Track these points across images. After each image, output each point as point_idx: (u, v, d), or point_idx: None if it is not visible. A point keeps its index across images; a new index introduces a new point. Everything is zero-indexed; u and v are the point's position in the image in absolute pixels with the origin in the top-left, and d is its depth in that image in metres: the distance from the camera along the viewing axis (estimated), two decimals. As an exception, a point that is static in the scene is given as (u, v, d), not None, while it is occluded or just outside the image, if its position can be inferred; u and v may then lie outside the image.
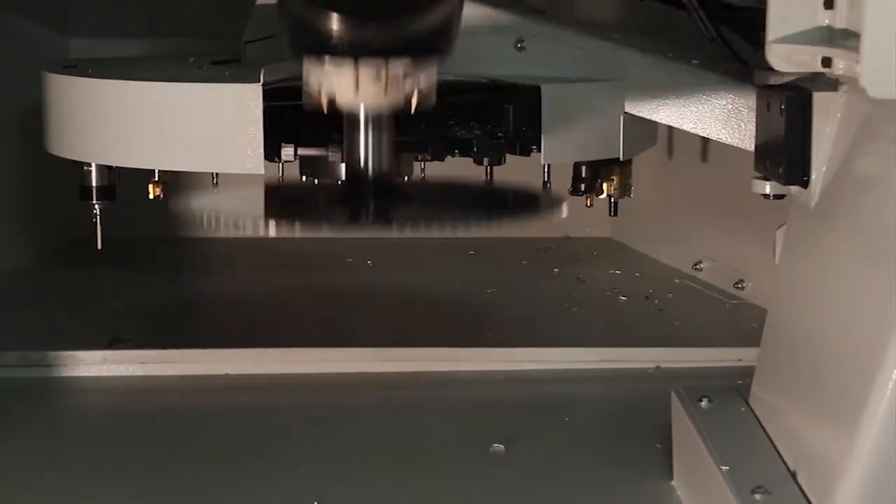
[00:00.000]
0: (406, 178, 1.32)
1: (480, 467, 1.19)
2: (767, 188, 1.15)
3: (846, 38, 0.99)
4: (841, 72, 0.98)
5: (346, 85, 1.10)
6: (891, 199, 0.95)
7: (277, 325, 1.55)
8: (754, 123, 1.17)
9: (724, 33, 1.48)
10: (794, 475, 1.00)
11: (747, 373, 1.16)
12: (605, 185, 1.44)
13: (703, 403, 1.15)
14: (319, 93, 1.10)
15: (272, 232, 1.12)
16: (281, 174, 1.32)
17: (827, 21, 1.02)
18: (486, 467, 1.19)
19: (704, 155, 1.69)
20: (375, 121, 1.16)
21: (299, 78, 1.12)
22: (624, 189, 1.45)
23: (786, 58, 1.05)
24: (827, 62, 0.99)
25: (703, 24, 1.48)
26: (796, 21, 1.03)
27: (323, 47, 1.07)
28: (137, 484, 1.16)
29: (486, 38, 1.42)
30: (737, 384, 1.16)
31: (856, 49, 0.92)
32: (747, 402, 1.14)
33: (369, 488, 1.15)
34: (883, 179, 0.98)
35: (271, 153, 1.25)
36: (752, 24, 1.38)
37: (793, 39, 1.04)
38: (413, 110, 1.13)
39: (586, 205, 1.47)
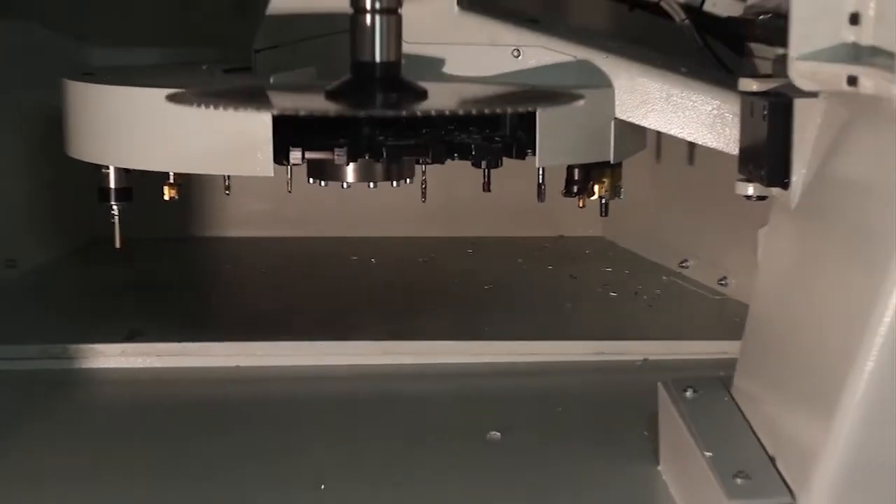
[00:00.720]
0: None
1: (477, 454, 1.19)
2: (750, 190, 1.15)
3: (874, 56, 0.94)
4: (869, 91, 0.91)
5: None
6: (868, 201, 0.95)
7: (286, 320, 1.55)
8: (738, 128, 1.17)
9: (710, 42, 1.49)
10: (773, 461, 1.00)
11: (730, 365, 1.15)
12: (596, 187, 1.44)
13: (689, 394, 1.15)
14: None
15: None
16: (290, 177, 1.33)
17: (852, 38, 0.96)
18: (483, 454, 1.19)
19: (691, 158, 1.69)
20: (385, 8, 1.16)
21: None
22: (614, 191, 1.45)
23: (810, 76, 0.98)
24: (853, 81, 0.92)
25: (692, 34, 1.48)
26: (820, 37, 0.96)
27: None
28: (154, 470, 1.16)
29: (485, 46, 1.43)
30: (720, 375, 1.16)
31: (888, 67, 0.88)
32: (730, 393, 1.14)
33: (372, 473, 1.15)
34: (861, 183, 0.98)
35: (280, 156, 1.26)
36: (737, 34, 1.38)
37: (817, 57, 0.97)
38: None
39: (579, 206, 1.47)
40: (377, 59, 1.17)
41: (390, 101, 1.18)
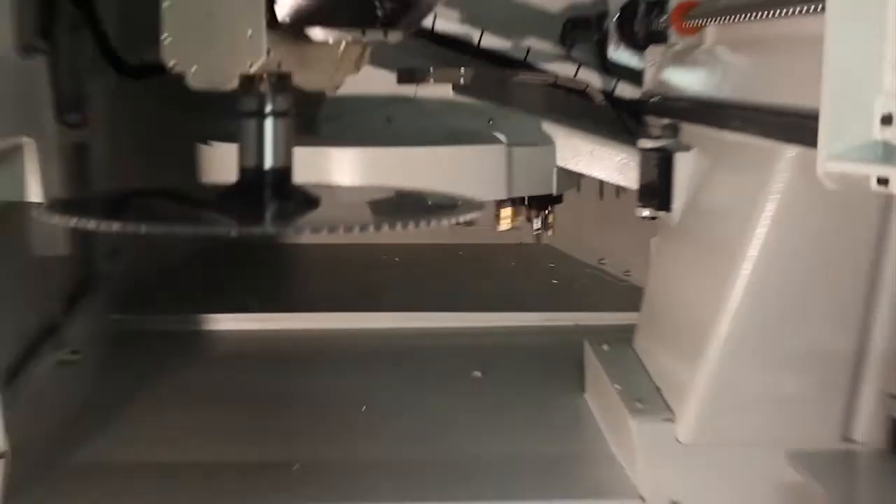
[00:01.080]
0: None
1: (465, 386, 1.21)
2: (646, 213, 1.14)
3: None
4: None
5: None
6: (722, 222, 0.98)
7: (341, 297, 1.54)
8: (639, 172, 1.16)
9: (620, 115, 1.48)
10: (659, 391, 1.03)
11: (632, 328, 1.17)
12: (535, 216, 1.48)
13: (605, 347, 1.17)
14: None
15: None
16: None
17: (883, 137, 0.69)
18: (469, 386, 1.21)
19: (602, 192, 1.67)
20: (275, 111, 0.79)
21: None
22: (549, 218, 1.49)
23: (838, 178, 0.70)
24: (883, 181, 0.67)
25: (607, 109, 1.48)
26: (850, 136, 0.69)
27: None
28: (254, 396, 1.18)
29: (468, 117, 1.44)
30: (626, 335, 1.18)
31: None
32: (632, 347, 1.16)
33: (396, 398, 1.17)
34: (717, 210, 1.01)
35: None
36: (637, 110, 1.38)
37: (846, 156, 0.69)
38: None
39: (547, 233, 1.51)
40: (267, 165, 0.82)
41: (284, 210, 0.83)
